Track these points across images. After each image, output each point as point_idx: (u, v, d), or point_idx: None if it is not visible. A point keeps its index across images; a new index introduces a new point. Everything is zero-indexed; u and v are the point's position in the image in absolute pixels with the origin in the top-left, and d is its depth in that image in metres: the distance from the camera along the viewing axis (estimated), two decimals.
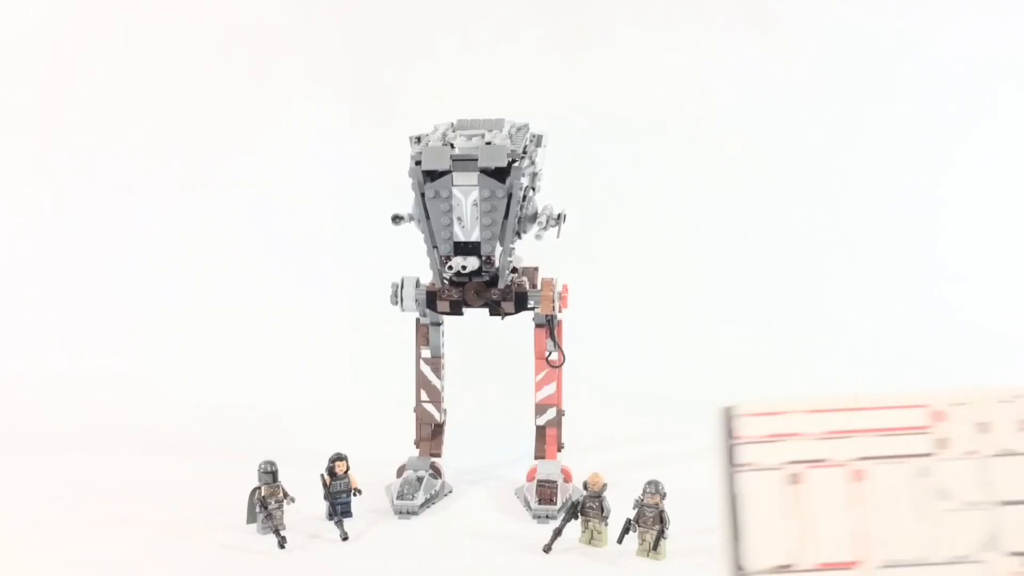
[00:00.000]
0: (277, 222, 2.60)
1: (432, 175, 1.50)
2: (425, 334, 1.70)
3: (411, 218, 1.56)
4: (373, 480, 1.68)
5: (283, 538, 1.48)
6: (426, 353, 1.71)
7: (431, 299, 1.63)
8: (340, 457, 1.57)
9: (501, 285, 1.59)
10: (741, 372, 2.26)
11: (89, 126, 2.61)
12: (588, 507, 1.49)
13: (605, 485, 1.48)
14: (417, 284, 1.64)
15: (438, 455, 1.72)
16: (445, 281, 1.59)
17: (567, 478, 1.65)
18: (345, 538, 1.50)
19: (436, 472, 1.68)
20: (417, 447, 1.73)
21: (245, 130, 2.63)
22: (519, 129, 1.59)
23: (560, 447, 1.69)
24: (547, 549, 1.47)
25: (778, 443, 0.48)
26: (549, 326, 1.65)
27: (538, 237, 1.60)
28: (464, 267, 1.54)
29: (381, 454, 1.73)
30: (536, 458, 1.69)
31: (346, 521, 1.53)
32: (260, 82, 2.64)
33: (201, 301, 2.50)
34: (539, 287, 1.63)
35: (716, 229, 2.60)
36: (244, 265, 2.55)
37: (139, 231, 2.58)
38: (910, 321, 2.41)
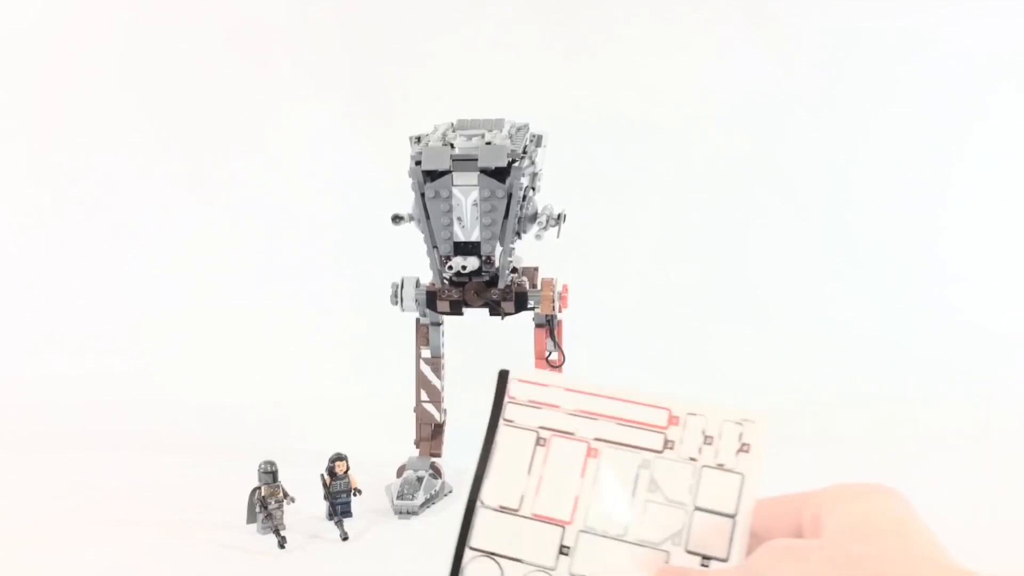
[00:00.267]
0: (277, 222, 2.60)
1: (432, 175, 1.51)
2: (425, 334, 1.70)
3: (411, 218, 1.56)
4: (373, 480, 1.68)
5: (283, 538, 1.48)
6: (426, 353, 1.71)
7: (431, 299, 1.63)
8: (340, 457, 1.56)
9: (501, 285, 1.59)
10: (741, 372, 2.26)
11: (89, 126, 2.61)
12: None
13: None
14: (417, 284, 1.64)
15: (438, 455, 1.72)
16: (445, 281, 1.59)
17: None
18: (345, 538, 1.50)
19: (436, 472, 1.68)
20: (417, 447, 1.73)
21: (245, 130, 2.63)
22: (519, 129, 1.59)
23: None
24: None
25: (538, 410, 0.55)
26: (549, 326, 1.65)
27: (538, 237, 1.61)
28: (464, 267, 1.54)
29: (381, 454, 1.73)
30: None
31: (346, 521, 1.53)
32: (260, 82, 2.64)
33: (201, 301, 2.50)
34: (539, 287, 1.63)
35: (716, 229, 2.60)
36: (244, 265, 2.55)
37: (139, 231, 2.58)
38: (910, 321, 2.41)
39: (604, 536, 0.53)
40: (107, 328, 2.45)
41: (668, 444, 0.54)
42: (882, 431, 1.96)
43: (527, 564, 0.54)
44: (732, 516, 0.52)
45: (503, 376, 0.57)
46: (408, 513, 1.60)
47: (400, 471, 1.69)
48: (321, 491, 1.55)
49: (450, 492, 1.70)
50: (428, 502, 1.64)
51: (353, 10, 2.65)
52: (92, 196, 2.60)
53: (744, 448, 0.53)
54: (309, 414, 2.10)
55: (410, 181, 1.52)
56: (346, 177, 2.59)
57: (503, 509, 0.55)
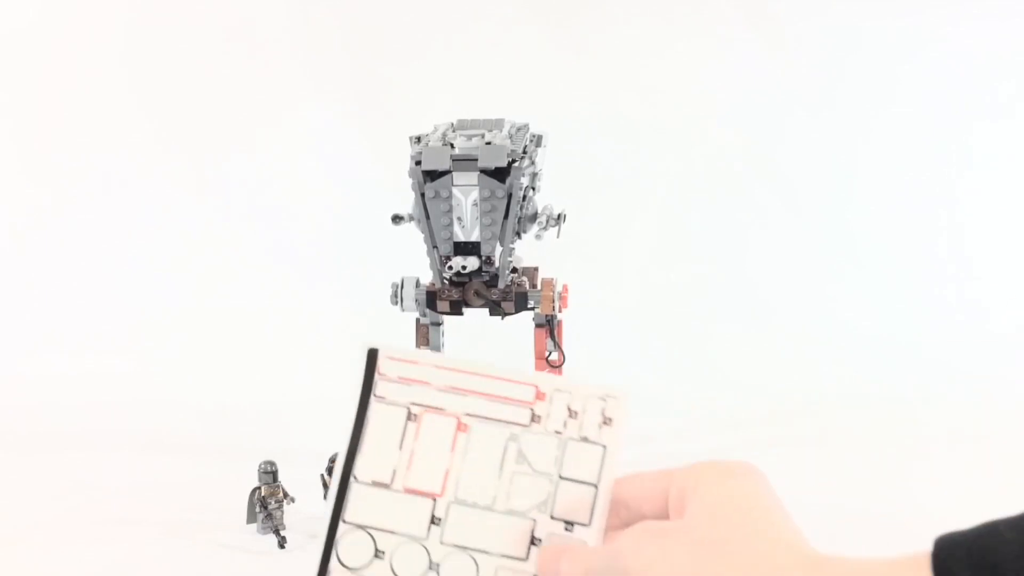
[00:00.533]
0: (277, 222, 2.60)
1: (432, 175, 1.50)
2: (425, 334, 1.70)
3: (411, 218, 1.56)
4: None
5: (283, 538, 1.48)
6: None
7: (431, 299, 1.63)
8: None
9: (501, 285, 1.59)
10: (741, 372, 2.26)
11: (89, 126, 2.61)
12: None
13: None
14: (417, 284, 1.64)
15: None
16: (445, 281, 1.59)
17: None
18: None
19: None
20: None
21: (245, 130, 2.63)
22: (519, 129, 1.59)
23: None
24: None
25: (408, 386, 0.57)
26: (549, 326, 1.65)
27: (538, 237, 1.60)
28: (464, 267, 1.54)
29: None
30: None
31: None
32: (260, 82, 2.64)
33: (201, 301, 2.50)
34: (539, 287, 1.63)
35: (716, 229, 2.60)
36: (244, 265, 2.55)
37: (139, 231, 2.58)
38: (910, 321, 2.41)
39: (474, 506, 0.55)
40: (107, 328, 2.45)
41: (535, 418, 0.56)
42: (882, 431, 1.96)
43: (399, 535, 0.56)
44: (595, 485, 0.55)
45: (372, 354, 0.58)
46: None
47: None
48: (321, 491, 1.55)
49: None
50: None
51: (353, 10, 2.64)
52: (92, 196, 2.60)
53: (607, 422, 0.56)
54: (309, 414, 2.10)
55: (410, 181, 1.52)
56: (346, 177, 2.59)
57: (376, 484, 0.56)
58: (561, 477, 0.55)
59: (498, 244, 1.55)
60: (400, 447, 0.57)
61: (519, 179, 1.50)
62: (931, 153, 2.62)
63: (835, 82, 2.63)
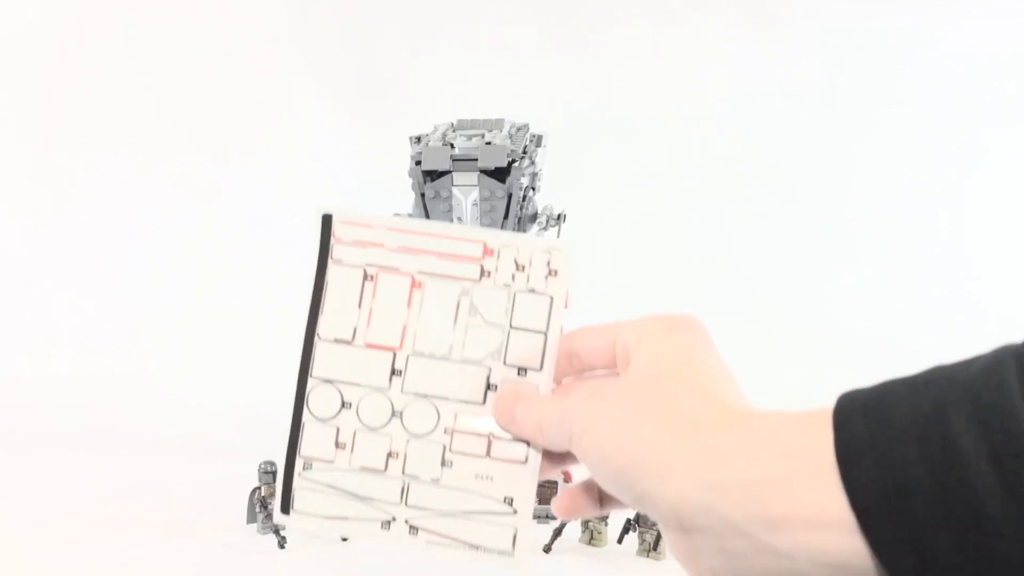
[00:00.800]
0: (277, 222, 2.60)
1: (432, 175, 1.50)
2: None
3: (411, 218, 1.56)
4: None
5: (283, 538, 1.48)
6: None
7: None
8: None
9: None
10: (741, 372, 2.25)
11: (90, 126, 2.61)
12: None
13: None
14: None
15: None
16: None
17: (567, 478, 1.65)
18: (345, 538, 1.50)
19: None
20: None
21: (245, 130, 2.63)
22: (519, 129, 1.59)
23: None
24: (547, 549, 1.47)
25: (363, 248, 0.60)
26: None
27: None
28: None
29: None
30: None
31: None
32: (260, 82, 2.64)
33: (201, 301, 2.50)
34: None
35: (716, 229, 2.60)
36: (244, 265, 2.55)
37: (139, 231, 2.58)
38: (910, 321, 2.41)
39: (431, 357, 0.59)
40: (107, 328, 2.45)
41: (485, 273, 0.59)
42: None
43: (363, 387, 0.60)
44: (544, 333, 0.59)
45: (327, 219, 0.60)
46: None
47: None
48: None
49: None
50: None
51: (353, 10, 2.65)
52: (92, 196, 2.60)
53: (552, 273, 0.60)
54: None
55: (410, 181, 1.52)
56: (346, 177, 2.59)
57: (338, 340, 0.60)
58: (512, 327, 0.59)
59: None
60: (359, 306, 0.60)
61: (519, 179, 1.50)
62: (931, 153, 2.62)
63: (835, 82, 2.63)
